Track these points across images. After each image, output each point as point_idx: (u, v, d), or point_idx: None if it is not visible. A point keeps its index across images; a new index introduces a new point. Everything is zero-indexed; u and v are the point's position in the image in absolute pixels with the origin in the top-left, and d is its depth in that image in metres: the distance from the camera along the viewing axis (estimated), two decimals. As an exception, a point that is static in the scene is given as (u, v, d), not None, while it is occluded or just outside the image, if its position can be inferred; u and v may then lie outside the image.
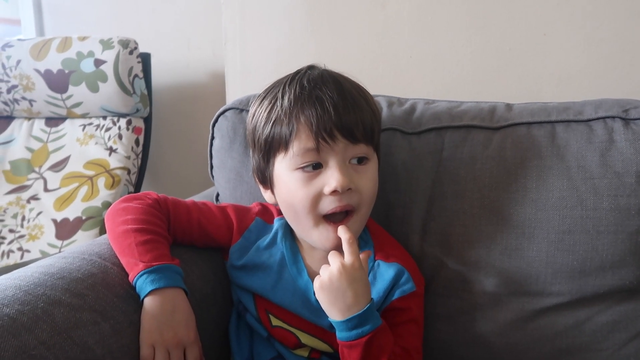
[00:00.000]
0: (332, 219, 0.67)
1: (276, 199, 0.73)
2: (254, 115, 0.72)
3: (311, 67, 0.72)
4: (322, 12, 1.18)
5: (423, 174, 0.80)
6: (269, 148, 0.69)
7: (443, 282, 0.78)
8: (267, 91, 0.72)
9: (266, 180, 0.72)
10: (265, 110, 0.69)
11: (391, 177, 0.82)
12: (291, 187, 0.67)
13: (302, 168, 0.66)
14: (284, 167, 0.68)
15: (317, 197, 0.66)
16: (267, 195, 0.75)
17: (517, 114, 0.80)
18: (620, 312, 0.72)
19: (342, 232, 0.65)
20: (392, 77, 1.14)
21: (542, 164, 0.74)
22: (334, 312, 0.63)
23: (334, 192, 0.65)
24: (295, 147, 0.65)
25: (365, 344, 0.61)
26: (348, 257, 0.63)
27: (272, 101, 0.68)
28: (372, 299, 0.64)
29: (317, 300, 0.68)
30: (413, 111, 0.85)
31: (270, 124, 0.67)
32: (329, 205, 0.66)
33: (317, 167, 0.66)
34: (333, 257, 0.64)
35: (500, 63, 1.07)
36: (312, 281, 0.71)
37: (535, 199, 0.73)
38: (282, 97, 0.67)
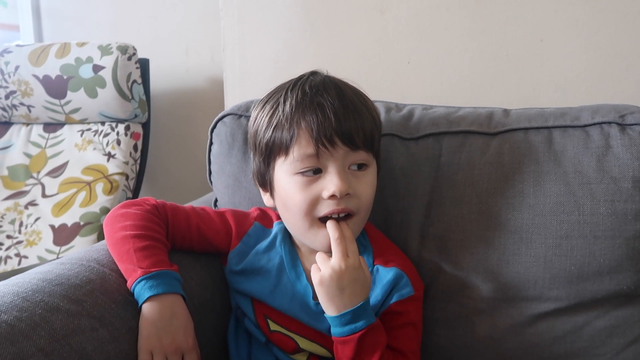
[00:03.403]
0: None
1: (275, 203, 0.73)
2: (255, 119, 0.73)
3: (314, 73, 0.73)
4: (321, 18, 1.18)
5: (421, 179, 0.80)
6: (270, 152, 0.69)
7: (441, 288, 0.78)
8: (270, 96, 0.72)
9: (266, 184, 0.73)
10: (267, 115, 0.70)
11: (389, 183, 0.82)
12: (290, 190, 0.68)
13: (302, 173, 0.67)
14: (284, 171, 0.68)
15: (315, 201, 0.67)
16: (265, 198, 0.75)
17: (514, 119, 0.80)
18: (618, 317, 0.72)
19: (332, 230, 0.66)
20: (391, 82, 1.15)
21: (539, 170, 0.74)
22: (331, 308, 0.64)
23: (332, 197, 0.66)
24: (295, 152, 0.66)
25: (358, 340, 0.63)
26: (337, 257, 0.64)
27: (274, 106, 0.69)
28: (367, 297, 0.65)
29: (316, 305, 0.69)
30: (411, 117, 0.85)
31: (272, 128, 0.68)
32: (326, 208, 0.67)
33: (316, 172, 0.67)
34: (337, 254, 0.64)
35: (498, 69, 1.07)
36: (311, 286, 0.71)
37: (533, 204, 0.74)
38: (284, 102, 0.68)
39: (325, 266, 0.64)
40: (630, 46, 0.98)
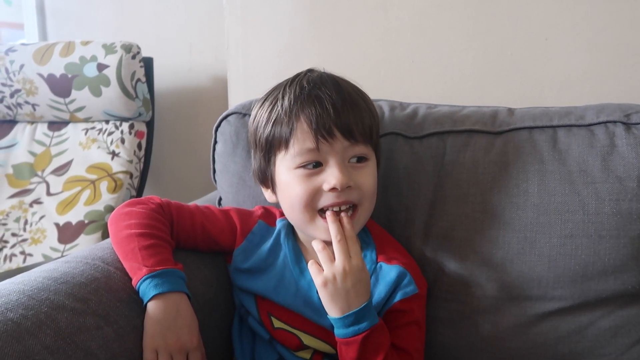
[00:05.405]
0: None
1: (277, 198, 0.74)
2: (255, 117, 0.74)
3: (310, 70, 0.74)
4: (325, 17, 1.18)
5: (425, 178, 0.80)
6: (270, 147, 0.70)
7: (445, 286, 0.78)
8: (269, 94, 0.74)
9: (267, 180, 0.74)
10: (266, 111, 0.71)
11: (393, 182, 0.82)
12: (291, 183, 0.68)
13: (303, 166, 0.67)
14: (284, 165, 0.69)
15: (316, 193, 0.67)
16: (267, 195, 0.76)
17: (518, 118, 0.80)
18: (622, 317, 0.72)
19: (333, 230, 0.66)
20: (394, 81, 1.15)
21: (543, 169, 0.74)
22: (334, 310, 0.64)
23: (333, 190, 0.66)
24: (295, 146, 0.67)
25: (361, 341, 0.62)
26: (340, 258, 0.63)
27: (273, 102, 0.70)
28: (370, 297, 0.65)
29: (319, 300, 0.69)
30: (415, 116, 0.85)
31: (271, 123, 0.69)
32: (326, 200, 0.67)
33: (317, 165, 0.67)
34: (340, 255, 0.64)
35: (502, 68, 1.07)
36: None
37: (537, 204, 0.74)
38: (283, 97, 0.69)
39: (328, 268, 0.64)
40: (635, 45, 0.98)
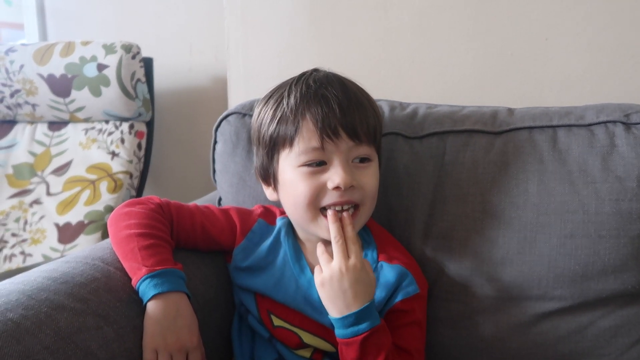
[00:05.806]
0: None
1: (278, 196, 0.74)
2: (259, 114, 0.73)
3: (316, 70, 0.74)
4: (325, 17, 1.18)
5: (425, 178, 0.80)
6: (274, 145, 0.70)
7: (445, 286, 0.78)
8: (273, 91, 0.74)
9: (269, 178, 0.74)
10: (271, 109, 0.71)
11: (393, 181, 0.82)
12: (294, 181, 0.69)
13: (307, 165, 0.67)
14: (288, 163, 0.69)
15: (319, 191, 0.67)
16: (268, 193, 0.76)
17: (518, 118, 0.80)
18: (622, 317, 0.72)
19: (333, 230, 0.66)
20: (394, 81, 1.15)
21: (543, 169, 0.74)
22: (333, 310, 0.64)
23: (337, 189, 0.66)
24: (300, 144, 0.67)
25: (361, 342, 0.62)
26: (338, 258, 0.64)
27: (278, 100, 0.70)
28: (372, 299, 0.64)
29: (319, 298, 0.69)
30: (415, 115, 0.85)
31: (276, 121, 0.69)
32: (329, 199, 0.68)
33: (321, 164, 0.68)
34: (337, 255, 0.64)
35: (502, 67, 1.07)
36: None
37: (537, 204, 0.74)
38: (289, 95, 0.69)
39: (326, 268, 0.64)
40: (635, 45, 0.98)
